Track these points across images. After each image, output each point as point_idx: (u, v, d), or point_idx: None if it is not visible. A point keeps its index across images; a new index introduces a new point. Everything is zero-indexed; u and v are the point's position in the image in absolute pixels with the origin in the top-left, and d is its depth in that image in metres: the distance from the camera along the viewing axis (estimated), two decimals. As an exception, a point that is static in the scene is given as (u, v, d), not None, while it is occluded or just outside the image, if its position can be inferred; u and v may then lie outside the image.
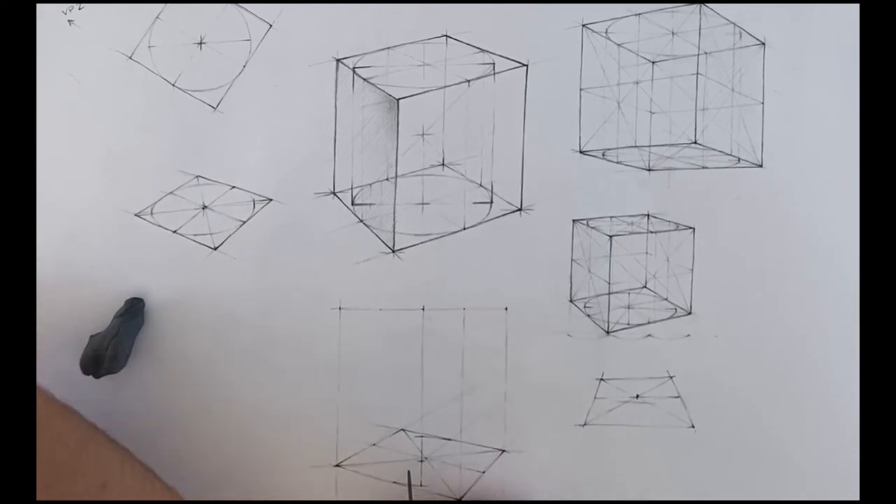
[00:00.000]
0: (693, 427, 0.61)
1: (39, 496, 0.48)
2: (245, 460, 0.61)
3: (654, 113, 0.61)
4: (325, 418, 0.61)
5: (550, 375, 0.61)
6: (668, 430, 0.61)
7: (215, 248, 0.61)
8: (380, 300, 0.61)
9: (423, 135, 0.61)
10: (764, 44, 0.61)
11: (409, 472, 0.61)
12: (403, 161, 0.61)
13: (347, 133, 0.61)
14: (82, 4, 0.60)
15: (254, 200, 0.61)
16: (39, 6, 0.59)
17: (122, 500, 0.53)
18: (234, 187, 0.61)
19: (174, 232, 0.61)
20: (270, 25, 0.60)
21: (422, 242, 0.61)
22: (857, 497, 0.55)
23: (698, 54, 0.61)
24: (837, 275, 0.61)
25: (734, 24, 0.61)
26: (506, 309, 0.61)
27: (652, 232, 0.61)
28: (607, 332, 0.61)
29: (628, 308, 0.62)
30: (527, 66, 0.61)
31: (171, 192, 0.61)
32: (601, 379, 0.61)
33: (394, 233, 0.61)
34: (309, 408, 0.61)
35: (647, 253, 0.62)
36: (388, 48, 0.60)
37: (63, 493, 0.51)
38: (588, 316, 0.61)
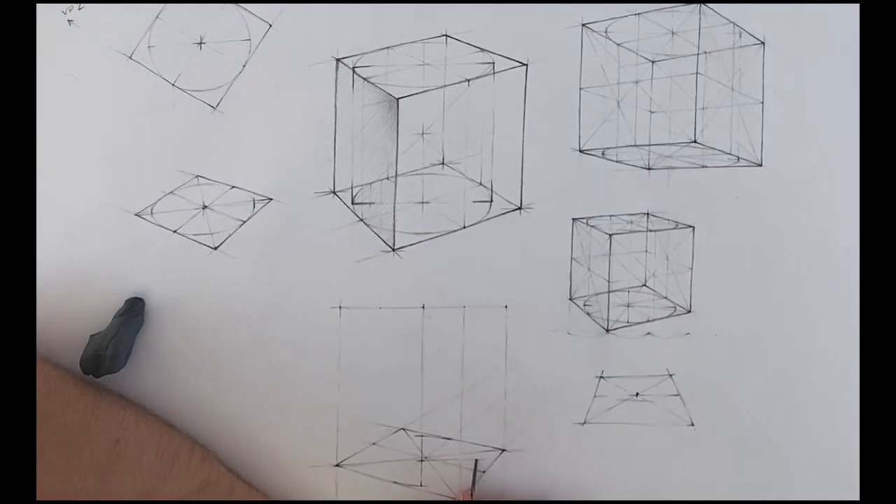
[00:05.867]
0: (692, 425, 0.61)
1: (52, 458, 0.51)
2: (245, 460, 0.61)
3: (653, 112, 0.61)
4: (325, 418, 0.61)
5: (550, 373, 0.61)
6: (667, 428, 0.61)
7: (215, 248, 0.61)
8: (380, 299, 0.61)
9: (422, 134, 0.61)
10: (763, 43, 0.61)
11: (476, 460, 0.61)
12: (403, 160, 0.61)
13: (347, 132, 0.61)
14: (82, 4, 0.60)
15: (254, 200, 0.61)
16: (39, 6, 0.59)
17: (139, 452, 0.56)
18: (234, 187, 0.61)
19: (174, 232, 0.61)
20: (270, 25, 0.60)
21: (422, 241, 0.61)
22: (857, 497, 0.55)
23: (698, 54, 0.61)
24: (837, 273, 0.61)
25: (734, 24, 0.60)
26: (505, 307, 0.61)
27: (651, 230, 0.61)
28: (607, 331, 0.61)
29: (628, 306, 0.62)
30: (526, 65, 0.61)
31: (171, 192, 0.60)
32: (601, 377, 0.61)
33: (394, 231, 0.61)
34: (309, 407, 0.61)
35: (646, 251, 0.62)
36: (388, 48, 0.60)
37: (76, 452, 0.53)
38: (588, 314, 0.61)
